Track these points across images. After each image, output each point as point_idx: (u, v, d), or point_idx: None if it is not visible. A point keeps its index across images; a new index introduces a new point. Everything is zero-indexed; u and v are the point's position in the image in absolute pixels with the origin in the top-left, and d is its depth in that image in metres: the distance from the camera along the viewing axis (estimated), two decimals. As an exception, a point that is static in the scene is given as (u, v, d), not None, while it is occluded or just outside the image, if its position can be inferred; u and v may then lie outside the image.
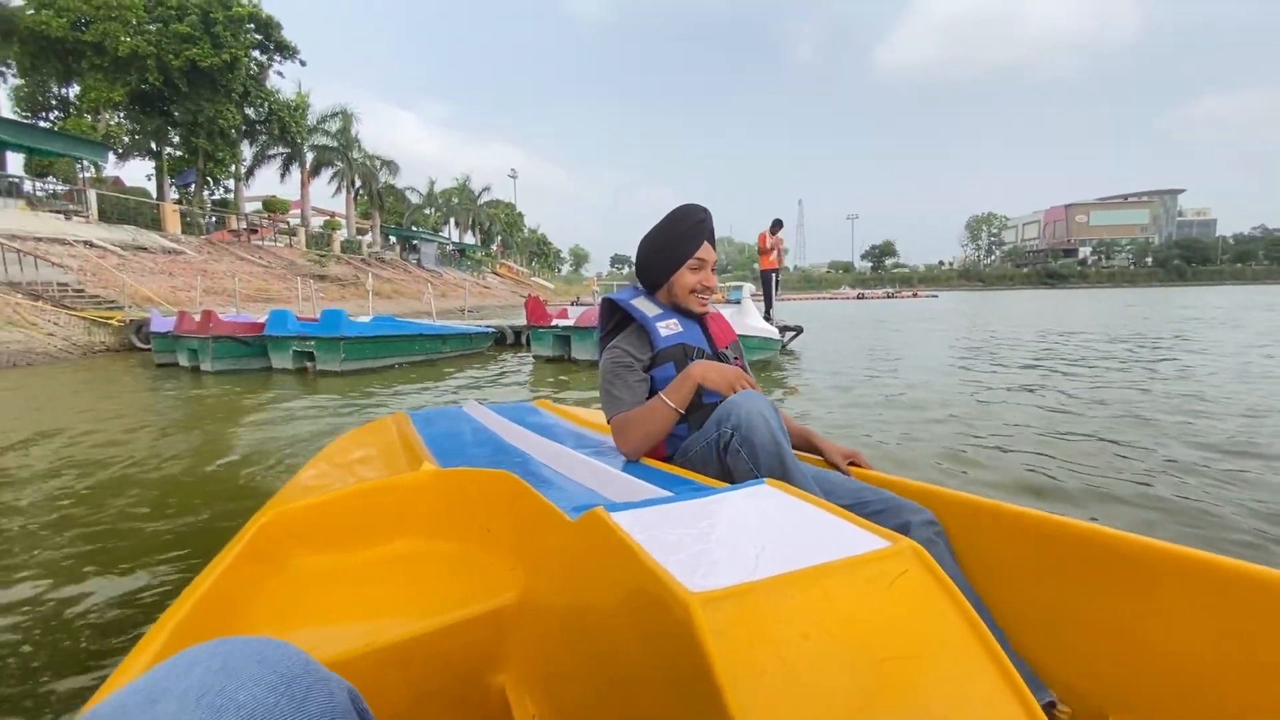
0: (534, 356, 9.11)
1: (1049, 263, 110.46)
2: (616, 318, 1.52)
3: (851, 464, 1.35)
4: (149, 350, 9.73)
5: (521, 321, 11.76)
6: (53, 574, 2.12)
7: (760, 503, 0.79)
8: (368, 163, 34.19)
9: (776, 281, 9.67)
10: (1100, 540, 0.88)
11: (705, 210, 1.47)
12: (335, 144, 31.68)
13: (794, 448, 1.37)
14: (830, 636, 0.52)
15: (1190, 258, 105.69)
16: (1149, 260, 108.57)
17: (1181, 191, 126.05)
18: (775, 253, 9.48)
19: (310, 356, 7.49)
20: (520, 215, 62.10)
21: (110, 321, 11.57)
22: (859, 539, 0.64)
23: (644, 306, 1.45)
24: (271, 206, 33.29)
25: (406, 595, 0.99)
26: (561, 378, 7.11)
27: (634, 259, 1.52)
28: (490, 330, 10.50)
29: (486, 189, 52.24)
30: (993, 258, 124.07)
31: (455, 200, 50.02)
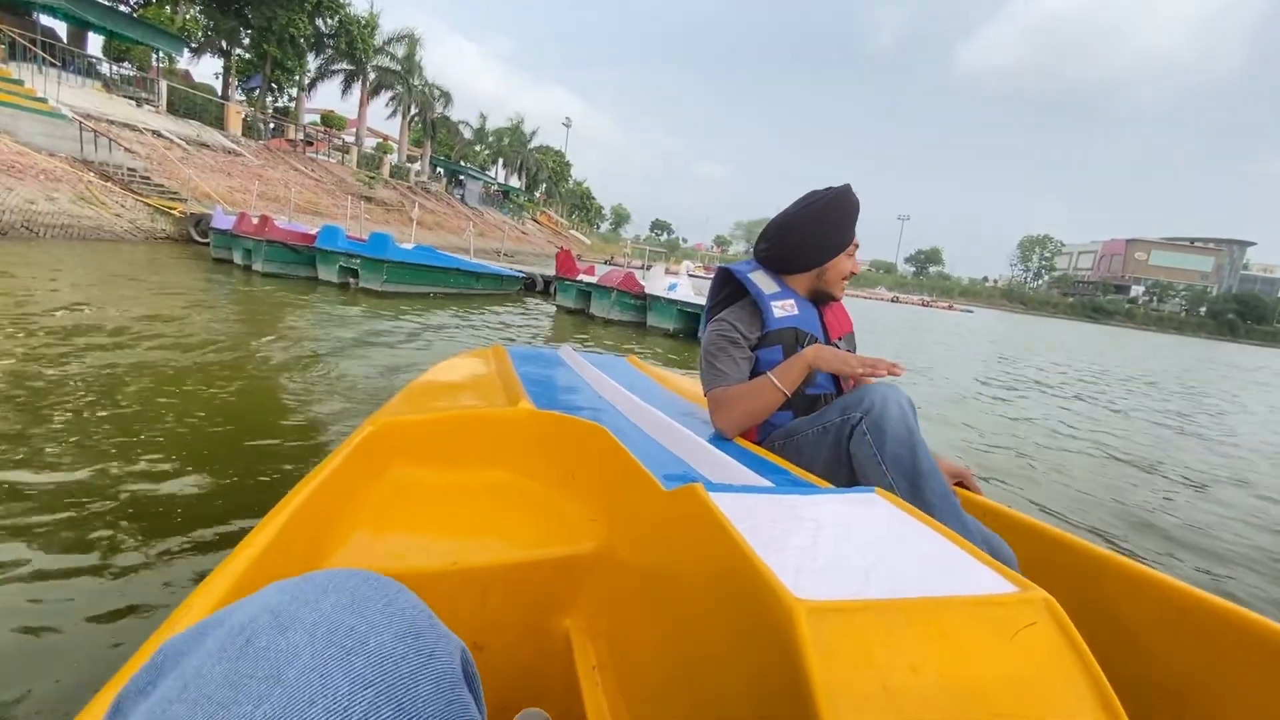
0: (558, 306, 9.62)
1: (1097, 296, 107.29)
2: (729, 289, 1.49)
3: (957, 484, 1.28)
4: (206, 244, 10.41)
5: (552, 271, 12.29)
6: (157, 448, 2.60)
7: (870, 512, 0.75)
8: (426, 90, 34.43)
9: None
10: (1242, 623, 0.78)
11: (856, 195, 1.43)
12: (398, 67, 31.92)
13: None
14: (941, 677, 0.49)
15: (1245, 314, 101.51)
16: (1202, 310, 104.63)
17: (1253, 245, 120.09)
18: None
19: (354, 273, 8.08)
20: (568, 165, 61.95)
21: (173, 211, 12.30)
22: (983, 577, 0.60)
23: (761, 282, 1.40)
24: (329, 121, 33.86)
25: (491, 524, 1.04)
26: (580, 333, 7.60)
27: (768, 237, 1.45)
28: (521, 275, 11.06)
29: (536, 132, 52.17)
30: (1040, 281, 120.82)
31: (506, 141, 50.07)
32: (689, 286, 8.44)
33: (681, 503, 0.75)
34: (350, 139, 33.01)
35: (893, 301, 56.76)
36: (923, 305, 58.80)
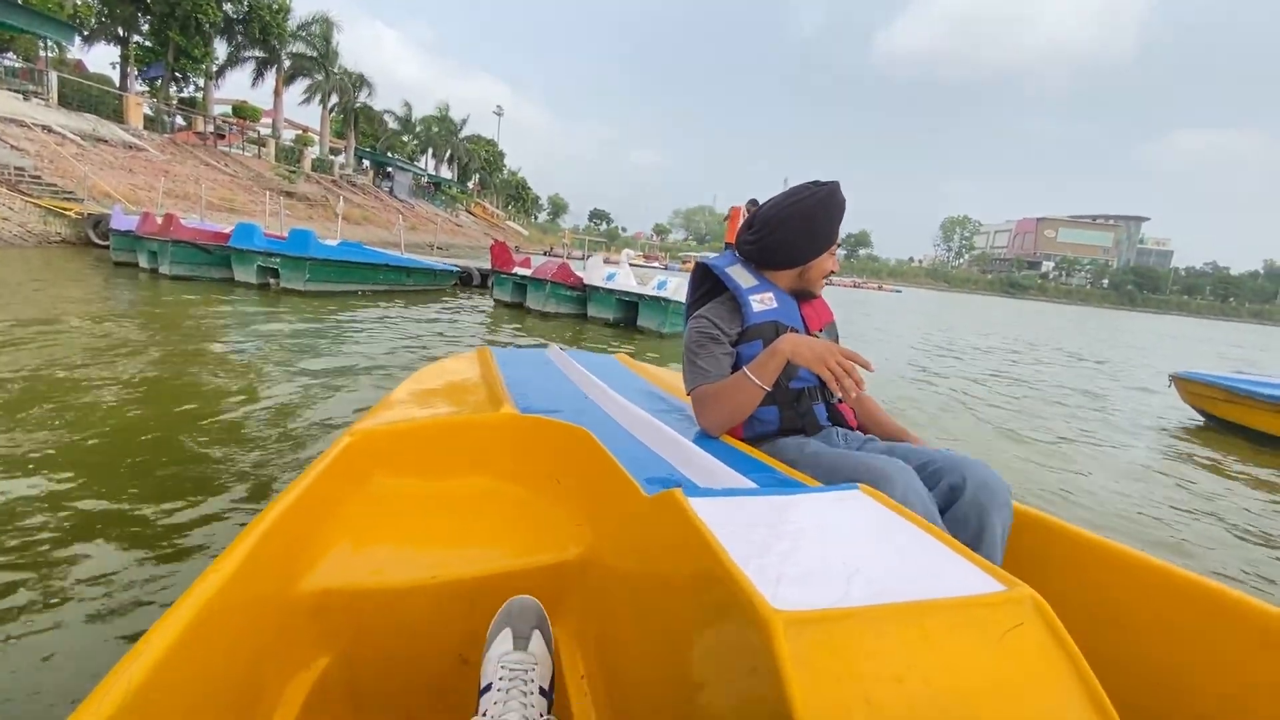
0: (495, 300, 9.47)
1: (1013, 273, 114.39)
2: (707, 285, 1.48)
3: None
4: (105, 247, 9.70)
5: (488, 264, 12.06)
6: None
7: (854, 510, 0.74)
8: (346, 78, 32.93)
9: None
10: (1227, 603, 0.78)
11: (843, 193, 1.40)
12: (314, 53, 30.38)
13: (867, 425, 1.42)
14: (927, 685, 0.48)
15: (1143, 285, 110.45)
16: (1105, 282, 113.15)
17: (1146, 220, 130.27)
18: None
19: (275, 273, 7.70)
20: (501, 154, 60.64)
21: (67, 213, 11.37)
22: (969, 576, 0.58)
23: (739, 276, 1.39)
24: (242, 113, 31.88)
25: (476, 532, 1.03)
26: (516, 326, 7.52)
27: (753, 231, 1.41)
28: (455, 269, 10.79)
29: (466, 120, 50.79)
30: (962, 260, 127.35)
31: (434, 130, 48.49)
32: (628, 274, 8.47)
33: (662, 509, 0.74)
34: (266, 131, 31.26)
35: (825, 284, 58.40)
36: (854, 286, 61.01)
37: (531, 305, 8.66)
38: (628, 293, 7.99)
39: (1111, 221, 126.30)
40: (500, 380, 1.58)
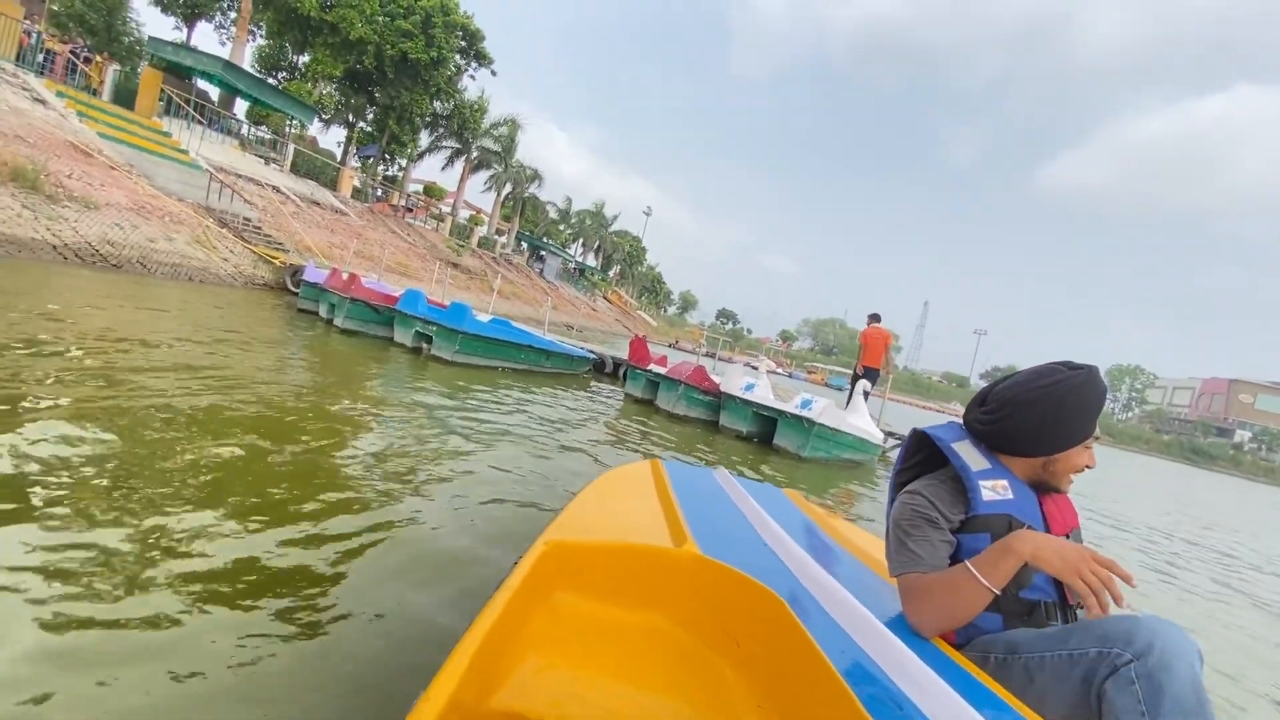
0: (626, 394, 9.25)
1: (1196, 437, 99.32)
2: (923, 455, 1.33)
3: None
4: (297, 294, 10.81)
5: (622, 353, 12.04)
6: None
7: None
8: (521, 170, 36.70)
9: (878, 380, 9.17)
10: None
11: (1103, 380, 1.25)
12: (499, 149, 34.33)
13: None
14: None
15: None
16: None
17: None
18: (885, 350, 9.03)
19: (429, 340, 8.03)
20: (644, 249, 64.01)
21: (274, 260, 12.99)
22: None
23: (968, 456, 1.23)
24: (430, 192, 36.46)
25: (648, 678, 0.99)
26: (646, 427, 7.15)
27: (990, 410, 1.27)
28: (591, 355, 10.81)
29: (617, 217, 54.43)
30: (1130, 415, 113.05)
31: (588, 222, 52.43)
32: (767, 387, 7.90)
33: None
34: (447, 209, 35.24)
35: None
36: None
37: (662, 405, 8.30)
38: (767, 407, 7.40)
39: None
40: (677, 506, 1.57)
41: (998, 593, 1.07)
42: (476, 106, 30.18)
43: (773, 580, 1.16)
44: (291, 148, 21.88)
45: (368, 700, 1.49)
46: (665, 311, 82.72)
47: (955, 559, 1.17)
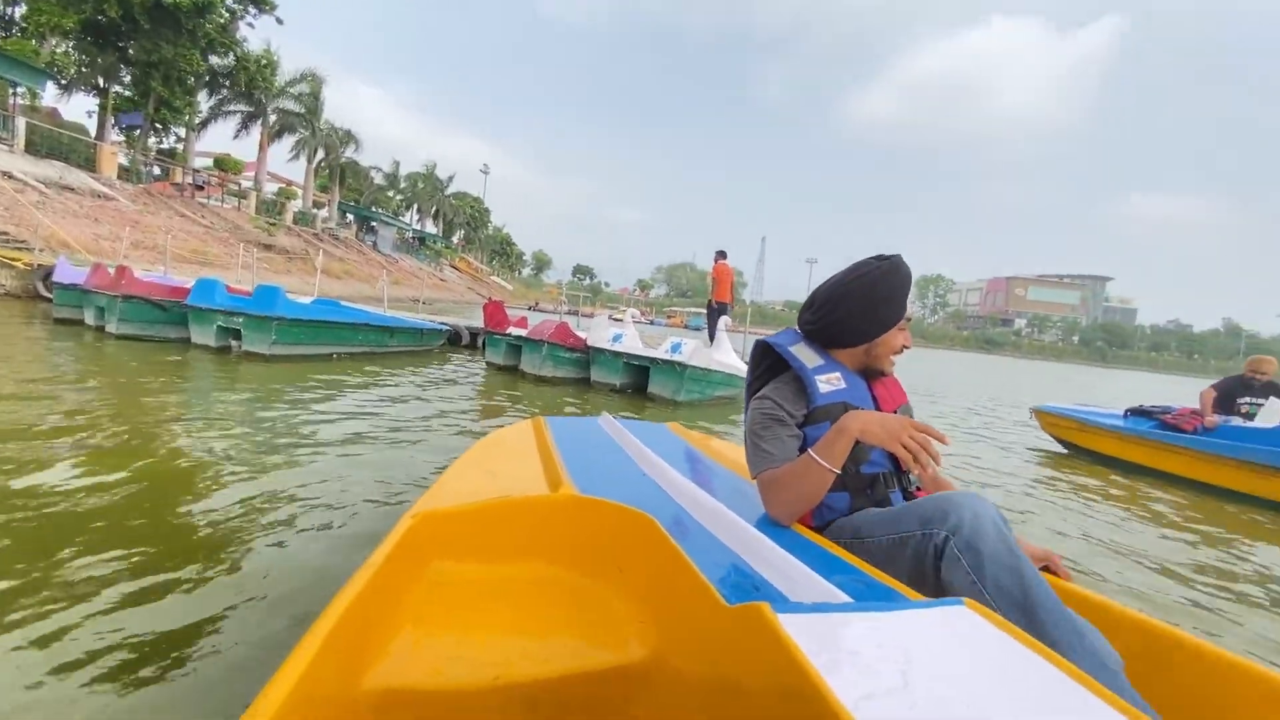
0: (487, 363, 8.62)
1: (987, 329, 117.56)
2: (768, 362, 1.42)
3: (1043, 568, 1.15)
4: (51, 301, 8.72)
5: (478, 322, 11.24)
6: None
7: (964, 634, 0.66)
8: (332, 133, 32.83)
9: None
10: None
11: (907, 265, 1.35)
12: (301, 109, 30.27)
13: None
14: None
15: (1112, 341, 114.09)
16: (1076, 339, 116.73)
17: (1110, 280, 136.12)
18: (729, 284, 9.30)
19: (237, 334, 6.78)
20: (487, 211, 60.99)
21: (15, 263, 10.39)
22: (1090, 712, 0.52)
23: (803, 355, 1.33)
24: (224, 165, 31.47)
25: (536, 624, 0.98)
26: (513, 392, 6.66)
27: (814, 309, 1.38)
28: (443, 328, 9.92)
29: (452, 178, 51.09)
30: (936, 318, 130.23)
31: (420, 186, 48.68)
32: (635, 336, 7.69)
33: (746, 622, 0.69)
34: (248, 183, 30.77)
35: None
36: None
37: (527, 369, 7.79)
38: (637, 356, 7.19)
39: (1077, 280, 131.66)
40: (556, 455, 1.56)
41: (838, 472, 1.16)
42: (264, 61, 26.16)
43: (650, 505, 1.19)
44: (22, 122, 17.54)
45: None
46: (520, 274, 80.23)
47: (804, 450, 1.22)
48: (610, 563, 1.11)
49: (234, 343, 6.85)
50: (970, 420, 8.90)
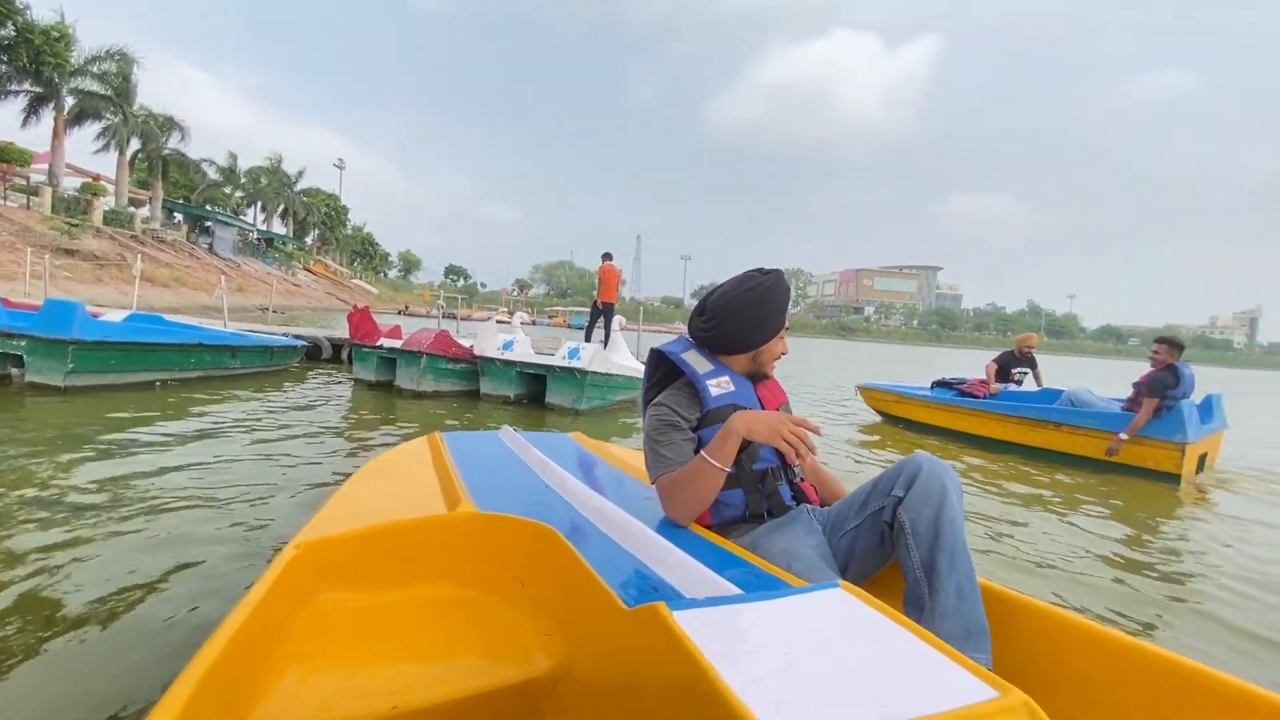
0: (355, 379, 7.65)
1: (843, 317, 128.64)
2: (663, 370, 1.49)
3: None
4: None
5: (341, 332, 10.05)
6: None
7: (839, 613, 0.72)
8: (150, 120, 28.50)
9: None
10: (1226, 690, 0.77)
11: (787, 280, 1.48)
12: (107, 91, 25.92)
13: (827, 501, 1.47)
14: None
15: (944, 324, 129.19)
16: (915, 323, 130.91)
17: (940, 269, 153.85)
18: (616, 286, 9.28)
19: (20, 362, 5.38)
20: (344, 209, 56.27)
21: None
22: (961, 683, 0.57)
23: (695, 362, 1.41)
24: (7, 155, 26.14)
25: (437, 649, 0.94)
26: (389, 413, 5.89)
27: (705, 317, 1.45)
28: (298, 343, 8.68)
29: (302, 173, 46.52)
30: (797, 309, 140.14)
31: (264, 182, 43.78)
32: (526, 342, 7.14)
33: (644, 623, 0.70)
34: (40, 177, 25.88)
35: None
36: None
37: (404, 384, 6.98)
38: (532, 364, 6.67)
39: (914, 270, 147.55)
40: (454, 471, 1.53)
41: (729, 470, 1.24)
42: (56, 33, 22.07)
43: (552, 516, 1.21)
44: None
45: None
46: (386, 276, 74.95)
47: (699, 453, 1.28)
48: (511, 577, 1.11)
49: (15, 372, 5.44)
50: (833, 396, 9.40)
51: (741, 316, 1.40)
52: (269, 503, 2.96)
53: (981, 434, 6.21)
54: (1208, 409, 5.41)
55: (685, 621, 0.65)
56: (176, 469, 3.40)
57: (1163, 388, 4.90)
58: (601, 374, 6.62)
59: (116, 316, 6.27)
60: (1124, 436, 5.02)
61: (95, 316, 5.96)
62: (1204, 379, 6.42)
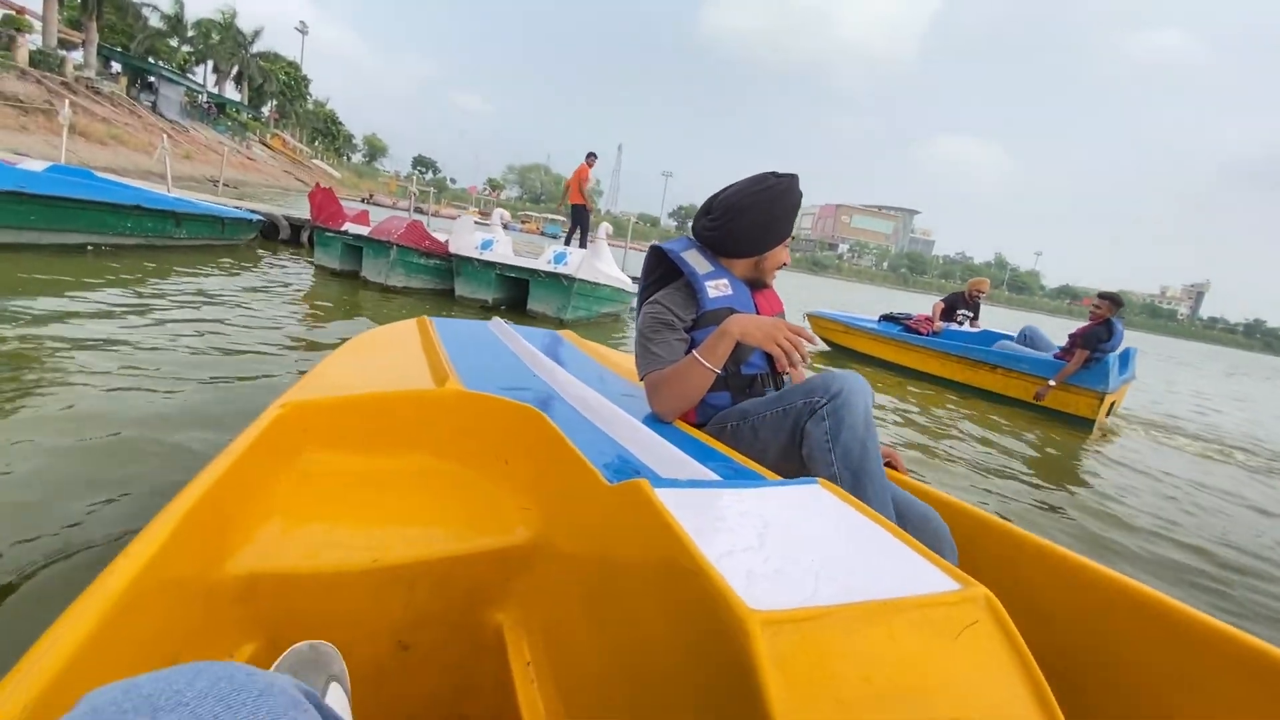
0: (316, 265, 7.04)
1: (816, 253, 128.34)
2: (662, 269, 1.46)
3: (886, 464, 1.18)
4: None
5: (300, 212, 9.23)
6: None
7: (816, 505, 0.74)
8: (82, -52, 24.97)
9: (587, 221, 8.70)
10: (1146, 601, 0.81)
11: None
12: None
13: None
14: (892, 684, 0.48)
15: (914, 269, 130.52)
16: (885, 265, 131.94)
17: (918, 213, 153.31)
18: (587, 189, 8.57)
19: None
20: (306, 80, 51.75)
21: None
22: (927, 574, 0.59)
23: (695, 262, 1.38)
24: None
25: (417, 513, 0.96)
26: (357, 301, 5.41)
27: (712, 216, 1.39)
28: (254, 217, 7.90)
29: (259, 33, 42.14)
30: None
31: (215, 38, 39.57)
32: (507, 243, 6.60)
33: (626, 498, 0.72)
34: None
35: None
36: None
37: (370, 276, 6.44)
38: (515, 267, 6.17)
39: (892, 211, 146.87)
40: (442, 352, 1.52)
41: (719, 371, 1.24)
42: None
43: (538, 401, 1.20)
44: None
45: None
46: (349, 159, 70.41)
47: (691, 352, 1.27)
48: (496, 456, 1.11)
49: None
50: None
51: (750, 217, 1.36)
52: (206, 391, 2.57)
53: (923, 370, 6.49)
54: (1125, 362, 5.72)
55: (666, 498, 0.66)
56: (102, 343, 2.94)
57: (1097, 341, 5.17)
58: (589, 283, 6.19)
59: (36, 166, 5.46)
60: (1052, 383, 5.36)
61: (10, 165, 5.17)
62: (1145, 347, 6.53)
